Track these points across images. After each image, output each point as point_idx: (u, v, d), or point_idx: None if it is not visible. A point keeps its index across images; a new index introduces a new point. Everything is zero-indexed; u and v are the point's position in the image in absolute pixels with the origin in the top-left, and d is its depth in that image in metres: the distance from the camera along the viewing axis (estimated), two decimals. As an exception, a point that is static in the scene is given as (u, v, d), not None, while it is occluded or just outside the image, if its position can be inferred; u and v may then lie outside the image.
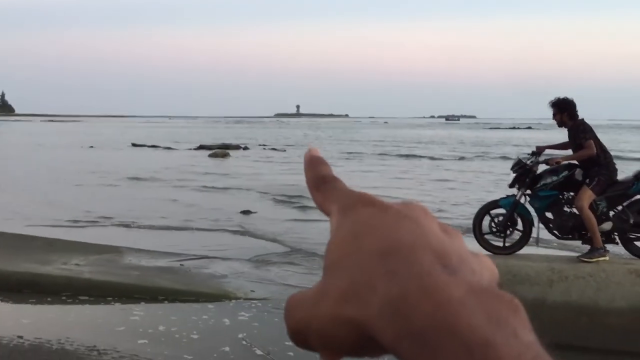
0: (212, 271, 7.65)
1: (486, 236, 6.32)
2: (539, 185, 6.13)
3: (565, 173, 6.03)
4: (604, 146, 6.07)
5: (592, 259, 5.73)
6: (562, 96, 6.13)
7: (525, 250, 6.29)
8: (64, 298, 6.50)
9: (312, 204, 0.40)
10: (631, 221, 5.84)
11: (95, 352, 4.92)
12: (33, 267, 7.20)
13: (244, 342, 5.31)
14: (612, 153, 6.22)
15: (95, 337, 5.30)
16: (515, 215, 6.25)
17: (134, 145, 41.35)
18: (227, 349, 5.10)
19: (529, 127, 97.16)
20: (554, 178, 6.06)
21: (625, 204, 5.94)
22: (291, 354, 5.05)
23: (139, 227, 11.16)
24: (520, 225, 6.28)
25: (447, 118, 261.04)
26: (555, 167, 6.11)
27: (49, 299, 6.46)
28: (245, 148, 38.49)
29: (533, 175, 6.19)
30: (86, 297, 6.53)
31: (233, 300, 6.52)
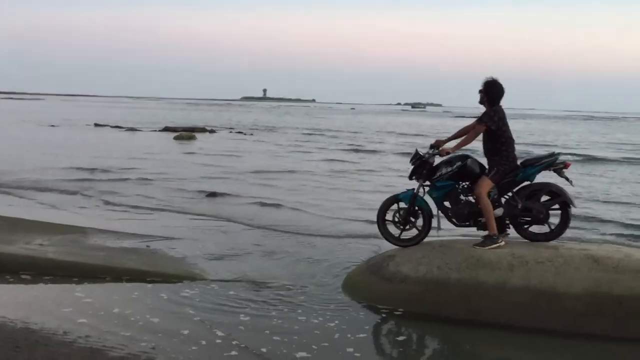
0: (178, 252, 7.63)
1: (390, 229, 6.63)
2: (435, 177, 6.41)
3: (459, 163, 6.30)
4: (510, 136, 6.20)
5: (485, 246, 5.98)
6: (492, 79, 6.20)
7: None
8: (26, 277, 6.41)
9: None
10: (519, 206, 6.13)
11: (60, 332, 4.88)
12: (-5, 246, 7.05)
13: (202, 322, 5.34)
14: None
15: (59, 318, 5.26)
16: (416, 207, 6.53)
17: (96, 125, 40.61)
18: (186, 331, 5.10)
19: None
20: (449, 169, 6.33)
21: (514, 190, 6.22)
22: (252, 335, 5.10)
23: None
24: (420, 217, 6.56)
25: (413, 106, 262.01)
26: (450, 158, 6.38)
27: (11, 279, 6.35)
28: (212, 131, 38.16)
29: (430, 167, 6.45)
30: (50, 277, 6.45)
31: (198, 281, 6.52)
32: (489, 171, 6.16)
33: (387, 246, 6.81)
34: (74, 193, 12.46)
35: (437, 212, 6.45)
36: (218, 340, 4.96)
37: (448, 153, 6.34)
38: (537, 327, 5.35)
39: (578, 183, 10.74)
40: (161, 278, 6.57)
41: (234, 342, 4.92)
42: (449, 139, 6.53)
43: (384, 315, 5.79)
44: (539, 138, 39.46)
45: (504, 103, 6.27)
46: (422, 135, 40.42)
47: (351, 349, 4.91)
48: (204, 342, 4.89)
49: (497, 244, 5.96)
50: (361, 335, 5.24)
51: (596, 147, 32.93)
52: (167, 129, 37.17)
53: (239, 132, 38.93)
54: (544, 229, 6.23)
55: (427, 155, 6.47)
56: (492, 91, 6.20)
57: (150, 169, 16.94)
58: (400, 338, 5.49)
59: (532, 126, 62.39)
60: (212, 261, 7.34)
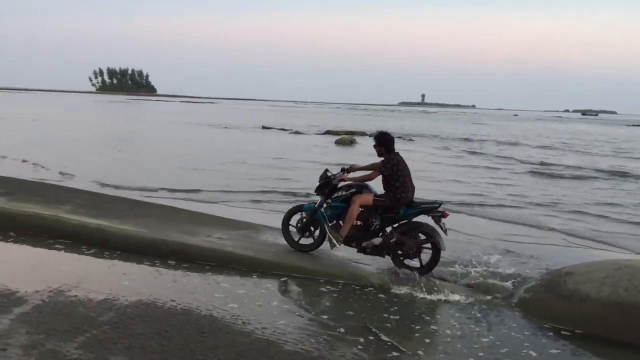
0: (345, 254, 7.77)
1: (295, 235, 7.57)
2: (333, 197, 7.25)
3: (353, 190, 7.11)
4: (404, 179, 6.83)
5: (333, 240, 6.96)
6: (382, 130, 7.13)
7: None
8: (208, 268, 6.92)
9: None
10: (393, 240, 6.89)
11: (239, 322, 5.20)
12: (181, 237, 7.70)
13: (363, 322, 5.39)
14: None
15: (239, 308, 5.58)
16: (316, 219, 7.36)
17: (264, 127, 42.99)
18: (342, 329, 5.19)
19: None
20: (344, 193, 7.18)
21: (394, 225, 6.96)
22: (420, 346, 5.03)
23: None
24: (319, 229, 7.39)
25: (584, 113, 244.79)
26: (350, 184, 7.19)
27: (195, 268, 6.90)
28: (371, 135, 38.67)
29: (333, 187, 7.29)
30: (229, 269, 6.90)
31: (366, 286, 6.59)
32: (378, 195, 6.94)
33: (563, 262, 6.39)
34: (259, 198, 13.22)
35: (328, 229, 7.07)
36: (379, 342, 4.98)
37: (343, 179, 7.26)
38: None
39: None
40: (327, 278, 6.74)
41: (394, 346, 4.92)
42: (362, 168, 7.32)
43: (557, 334, 5.44)
44: None
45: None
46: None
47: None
48: (362, 340, 4.96)
49: (335, 245, 6.98)
50: (532, 353, 4.97)
51: None
52: (328, 132, 38.32)
53: (399, 137, 39.03)
54: (416, 263, 6.90)
55: (332, 176, 7.33)
56: (385, 141, 6.98)
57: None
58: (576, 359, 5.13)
59: None
60: (378, 266, 7.39)
